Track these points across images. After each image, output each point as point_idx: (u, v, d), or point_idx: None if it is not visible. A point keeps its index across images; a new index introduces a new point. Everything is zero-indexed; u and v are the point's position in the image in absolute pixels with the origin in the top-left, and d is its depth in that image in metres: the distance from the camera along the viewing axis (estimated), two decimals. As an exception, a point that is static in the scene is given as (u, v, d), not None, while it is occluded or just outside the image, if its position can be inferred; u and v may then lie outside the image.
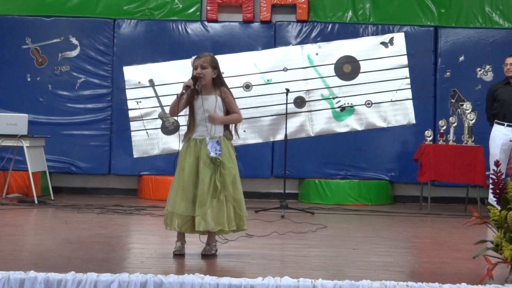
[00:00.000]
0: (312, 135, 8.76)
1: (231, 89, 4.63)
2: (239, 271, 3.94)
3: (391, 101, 8.74)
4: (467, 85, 8.74)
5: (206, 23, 8.95)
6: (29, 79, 8.83)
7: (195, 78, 4.48)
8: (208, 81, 4.49)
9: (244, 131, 8.67)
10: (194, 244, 4.67)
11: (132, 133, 8.70)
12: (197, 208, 4.33)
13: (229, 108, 4.54)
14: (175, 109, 4.52)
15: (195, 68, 4.49)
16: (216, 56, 4.50)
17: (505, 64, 7.25)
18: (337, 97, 8.75)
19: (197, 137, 4.47)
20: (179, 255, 4.42)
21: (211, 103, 4.46)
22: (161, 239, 5.08)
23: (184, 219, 4.38)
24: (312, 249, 4.94)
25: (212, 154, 4.37)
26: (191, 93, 4.50)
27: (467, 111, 8.01)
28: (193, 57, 4.57)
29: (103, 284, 3.35)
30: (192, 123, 4.51)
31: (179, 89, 4.54)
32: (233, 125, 4.60)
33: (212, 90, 4.50)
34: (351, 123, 8.75)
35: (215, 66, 4.50)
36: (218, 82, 4.53)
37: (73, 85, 8.85)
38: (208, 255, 4.44)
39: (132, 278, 3.37)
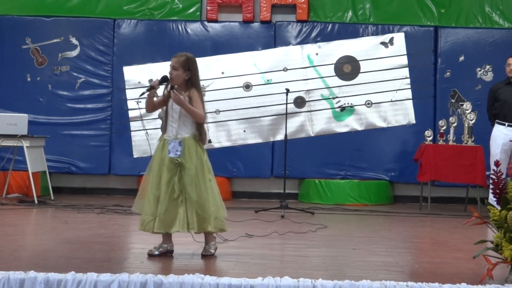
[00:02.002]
0: (312, 135, 8.76)
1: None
2: (239, 271, 3.93)
3: (391, 101, 8.73)
4: (467, 85, 8.74)
5: (206, 23, 8.95)
6: (29, 79, 8.83)
7: (163, 79, 4.48)
8: (179, 83, 4.45)
9: (244, 131, 8.67)
10: (194, 244, 4.67)
11: (132, 133, 8.70)
12: (158, 210, 4.33)
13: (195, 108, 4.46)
14: (148, 107, 4.57)
15: (170, 67, 4.49)
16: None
17: (508, 64, 7.25)
18: (337, 97, 8.75)
19: (166, 137, 4.46)
20: (150, 255, 4.41)
21: None
22: (161, 239, 5.06)
23: (151, 219, 4.36)
24: (312, 249, 4.94)
25: (171, 155, 4.35)
26: (167, 94, 4.50)
27: (467, 111, 8.01)
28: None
29: (103, 284, 3.35)
30: (164, 123, 4.53)
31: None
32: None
33: (183, 91, 4.46)
34: (351, 123, 8.75)
35: (188, 67, 4.44)
36: (190, 83, 4.47)
37: (73, 85, 8.85)
38: (207, 255, 4.44)
39: (132, 278, 3.37)
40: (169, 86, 4.49)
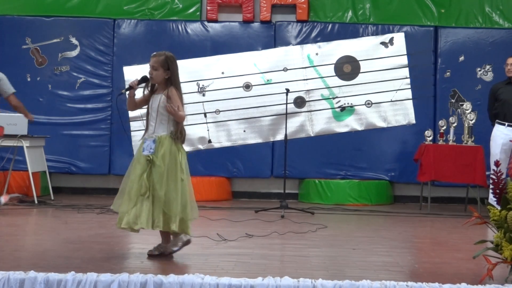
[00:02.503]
0: (312, 135, 8.75)
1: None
2: (239, 271, 3.93)
3: (391, 101, 8.73)
4: (467, 85, 8.74)
5: (206, 23, 8.95)
6: (29, 79, 8.83)
7: (143, 79, 4.49)
8: (159, 82, 4.46)
9: (244, 131, 8.67)
10: (193, 244, 4.67)
11: (132, 133, 8.70)
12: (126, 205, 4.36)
13: None
14: (129, 106, 4.60)
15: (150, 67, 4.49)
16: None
17: (506, 64, 7.26)
18: (337, 97, 8.75)
19: (146, 136, 4.48)
20: (151, 255, 4.44)
21: (156, 102, 4.46)
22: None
23: (121, 216, 4.39)
24: (312, 249, 4.94)
25: (145, 152, 4.36)
26: (148, 93, 4.52)
27: (467, 111, 8.01)
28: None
29: (103, 284, 3.35)
30: (146, 122, 4.54)
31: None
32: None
33: (162, 90, 4.47)
34: (351, 123, 8.75)
35: (167, 66, 4.43)
36: (169, 82, 4.46)
37: (73, 85, 8.85)
38: (164, 254, 4.44)
39: (132, 278, 3.37)
40: (150, 85, 4.51)
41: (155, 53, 4.51)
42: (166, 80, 4.46)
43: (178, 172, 4.39)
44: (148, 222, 4.31)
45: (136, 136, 8.69)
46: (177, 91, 4.44)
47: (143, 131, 4.56)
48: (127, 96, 4.59)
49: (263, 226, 6.07)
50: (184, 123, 4.56)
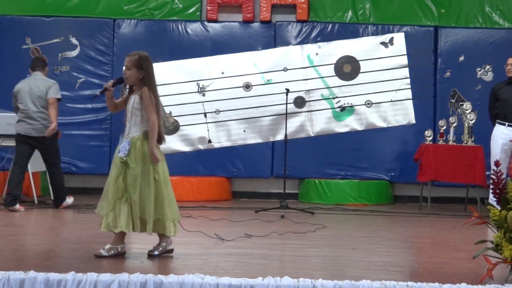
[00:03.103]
0: (312, 135, 8.74)
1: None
2: (239, 271, 3.93)
3: (391, 101, 8.72)
4: (467, 85, 8.74)
5: (206, 23, 8.95)
6: (29, 79, 8.82)
7: (118, 80, 4.48)
8: (134, 82, 4.43)
9: (244, 131, 8.66)
10: (194, 244, 4.67)
11: (132, 133, 8.69)
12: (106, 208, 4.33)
13: (145, 111, 4.38)
14: (109, 108, 4.60)
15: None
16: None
17: (507, 65, 7.26)
18: (337, 97, 8.74)
19: (123, 137, 4.47)
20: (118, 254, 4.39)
21: (130, 102, 4.44)
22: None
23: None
24: (312, 249, 4.94)
25: (120, 154, 4.34)
26: (126, 95, 4.50)
27: (467, 111, 8.01)
28: None
29: (103, 284, 3.35)
30: (124, 122, 4.53)
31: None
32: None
33: (137, 90, 4.43)
34: (351, 123, 8.74)
35: (141, 66, 4.39)
36: (143, 82, 4.41)
37: (73, 85, 8.85)
38: (150, 255, 4.40)
39: (132, 278, 3.37)
40: (127, 86, 4.49)
41: (129, 53, 4.49)
42: (140, 80, 4.41)
43: (151, 173, 4.34)
44: (128, 225, 4.29)
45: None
46: (150, 92, 4.37)
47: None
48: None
49: (263, 226, 6.07)
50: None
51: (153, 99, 4.37)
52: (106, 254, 4.33)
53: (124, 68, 4.43)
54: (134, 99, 4.41)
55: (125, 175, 4.31)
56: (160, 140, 4.47)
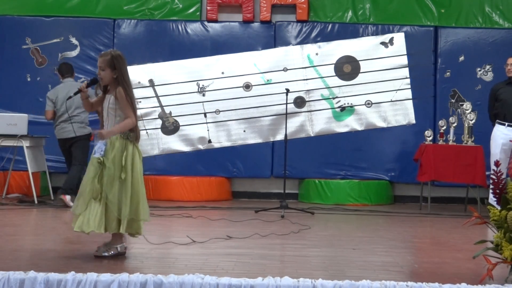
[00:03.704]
0: (312, 135, 8.74)
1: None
2: (239, 271, 3.93)
3: (391, 101, 8.72)
4: (467, 85, 8.74)
5: (206, 23, 8.95)
6: (29, 79, 8.83)
7: (92, 81, 4.47)
8: (108, 82, 4.40)
9: (244, 131, 8.65)
10: (193, 244, 4.67)
11: (132, 133, 8.69)
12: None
13: (122, 110, 4.37)
14: (86, 108, 4.64)
15: None
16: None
17: (507, 65, 7.26)
18: (337, 97, 8.74)
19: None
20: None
21: (106, 102, 4.42)
22: (161, 239, 5.07)
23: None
24: (312, 249, 4.94)
25: (96, 155, 4.32)
26: (102, 94, 4.49)
27: (467, 111, 8.01)
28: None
29: (103, 284, 3.35)
30: (100, 122, 4.53)
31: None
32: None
33: (113, 90, 4.41)
34: (351, 123, 8.74)
35: (114, 66, 4.36)
36: (117, 82, 4.39)
37: (73, 85, 8.84)
38: (98, 256, 4.32)
39: (132, 278, 3.37)
40: (102, 86, 4.46)
41: (101, 52, 4.51)
42: (115, 79, 4.38)
43: (129, 172, 4.33)
44: (100, 226, 4.25)
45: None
46: (125, 91, 4.35)
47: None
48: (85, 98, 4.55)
49: (263, 226, 6.07)
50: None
51: (128, 99, 4.36)
52: (106, 254, 4.33)
53: (98, 68, 4.39)
54: (109, 99, 4.39)
55: (101, 175, 4.29)
56: (137, 138, 4.47)
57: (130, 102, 4.36)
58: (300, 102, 8.74)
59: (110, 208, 4.29)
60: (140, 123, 8.67)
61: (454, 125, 8.07)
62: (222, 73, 8.72)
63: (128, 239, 4.80)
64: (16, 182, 8.40)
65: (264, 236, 5.43)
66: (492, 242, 3.92)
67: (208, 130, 8.63)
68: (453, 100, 8.76)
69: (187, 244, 4.87)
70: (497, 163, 4.01)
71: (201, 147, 8.67)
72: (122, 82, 4.38)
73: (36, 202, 7.49)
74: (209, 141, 8.62)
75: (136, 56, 8.77)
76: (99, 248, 4.38)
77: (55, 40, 8.89)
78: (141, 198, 4.37)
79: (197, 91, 8.61)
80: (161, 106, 8.64)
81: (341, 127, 8.75)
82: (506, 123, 7.17)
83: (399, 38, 8.79)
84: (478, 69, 8.76)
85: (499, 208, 3.84)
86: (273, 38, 8.91)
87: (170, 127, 8.67)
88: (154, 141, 8.70)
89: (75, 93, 4.57)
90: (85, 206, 4.27)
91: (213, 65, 8.71)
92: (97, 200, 4.28)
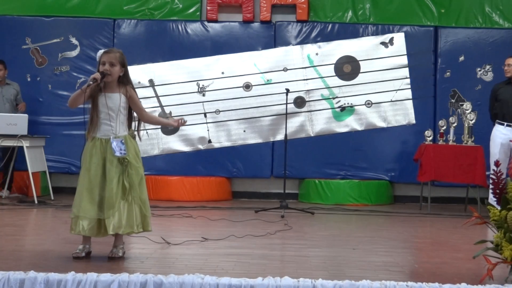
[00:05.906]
0: (312, 135, 8.75)
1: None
2: (239, 271, 3.93)
3: (391, 101, 8.73)
4: (467, 85, 8.74)
5: (206, 23, 8.95)
6: (29, 79, 8.83)
7: (102, 74, 4.33)
8: (114, 79, 4.36)
9: (244, 131, 8.67)
10: (194, 245, 4.67)
11: (132, 133, 8.69)
12: (105, 211, 4.18)
13: (135, 107, 4.39)
14: (77, 102, 4.42)
15: (102, 63, 4.33)
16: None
17: (505, 65, 7.27)
18: (337, 97, 8.75)
19: (101, 136, 4.38)
20: (77, 258, 4.20)
21: (115, 101, 4.36)
22: (161, 239, 5.07)
23: (91, 222, 4.20)
24: (312, 249, 4.94)
25: (117, 154, 4.26)
26: (94, 88, 4.37)
27: (467, 111, 8.01)
28: (101, 51, 4.49)
29: (103, 284, 3.35)
30: (95, 121, 4.42)
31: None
32: (136, 125, 4.48)
33: (116, 88, 4.37)
34: (351, 123, 8.75)
35: (123, 64, 4.36)
36: (124, 80, 4.38)
37: (73, 85, 8.84)
38: (115, 258, 4.27)
39: (132, 278, 3.37)
40: (102, 82, 4.36)
41: (106, 49, 4.46)
42: (119, 77, 4.36)
43: (141, 170, 4.36)
44: (134, 225, 4.23)
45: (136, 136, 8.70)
46: (134, 89, 4.43)
47: (89, 129, 4.47)
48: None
49: (263, 226, 6.07)
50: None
51: (138, 96, 4.44)
52: (121, 254, 4.30)
53: (107, 64, 4.29)
54: (120, 98, 4.34)
55: (128, 175, 4.25)
56: (139, 135, 4.50)
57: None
58: (300, 102, 8.75)
59: (137, 208, 4.26)
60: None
61: (454, 125, 8.07)
62: (222, 73, 8.73)
63: (129, 239, 4.81)
64: (16, 182, 8.40)
65: (240, 238, 5.30)
66: (492, 242, 3.92)
67: (208, 130, 8.64)
68: (453, 100, 8.76)
69: (161, 243, 4.86)
70: (497, 163, 4.01)
71: (201, 147, 8.67)
72: (129, 81, 4.42)
73: (36, 202, 7.49)
74: (209, 141, 8.63)
75: (136, 56, 8.78)
76: (113, 251, 4.32)
77: (55, 40, 8.89)
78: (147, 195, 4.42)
79: (197, 91, 8.62)
80: (161, 106, 8.65)
81: (341, 127, 8.76)
82: (505, 123, 7.17)
83: (399, 38, 8.80)
84: (478, 69, 8.76)
85: (499, 208, 3.84)
86: (273, 38, 8.91)
87: (170, 127, 8.68)
88: (154, 141, 8.71)
89: (93, 82, 4.32)
90: (115, 209, 4.17)
91: (213, 65, 8.72)
92: (127, 200, 4.23)
